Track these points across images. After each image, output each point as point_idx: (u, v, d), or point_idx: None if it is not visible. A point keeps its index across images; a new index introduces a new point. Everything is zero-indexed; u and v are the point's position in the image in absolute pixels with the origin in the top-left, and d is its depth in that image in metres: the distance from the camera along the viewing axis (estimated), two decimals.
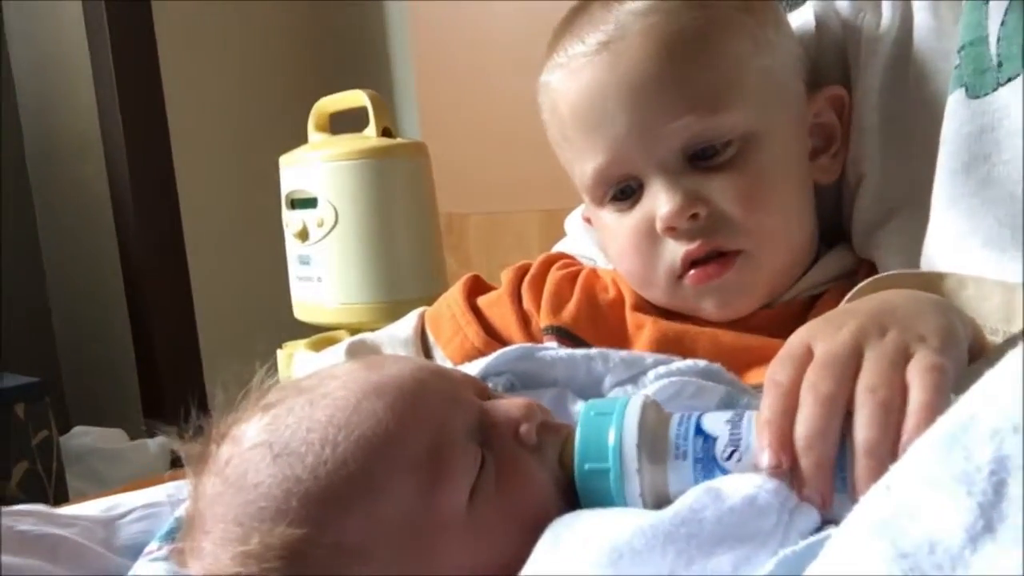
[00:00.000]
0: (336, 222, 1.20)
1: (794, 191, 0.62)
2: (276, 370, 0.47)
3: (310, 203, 1.23)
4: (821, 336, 0.42)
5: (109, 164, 1.79)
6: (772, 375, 0.42)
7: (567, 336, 0.63)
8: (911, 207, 0.62)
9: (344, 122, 1.32)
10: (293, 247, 1.26)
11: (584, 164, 0.61)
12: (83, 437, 1.69)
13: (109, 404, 1.98)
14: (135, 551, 0.49)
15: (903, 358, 0.39)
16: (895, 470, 0.30)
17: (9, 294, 1.90)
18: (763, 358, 0.59)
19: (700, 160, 0.59)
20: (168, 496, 0.54)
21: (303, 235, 1.23)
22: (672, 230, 0.59)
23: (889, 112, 0.63)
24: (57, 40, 1.90)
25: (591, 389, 0.55)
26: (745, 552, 0.35)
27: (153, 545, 0.49)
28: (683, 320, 0.63)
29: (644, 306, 0.64)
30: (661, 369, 0.54)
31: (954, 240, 0.53)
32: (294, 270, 1.27)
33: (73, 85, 1.87)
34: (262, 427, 0.44)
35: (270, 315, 1.43)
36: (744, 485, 0.38)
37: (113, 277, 1.86)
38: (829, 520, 0.37)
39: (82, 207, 1.94)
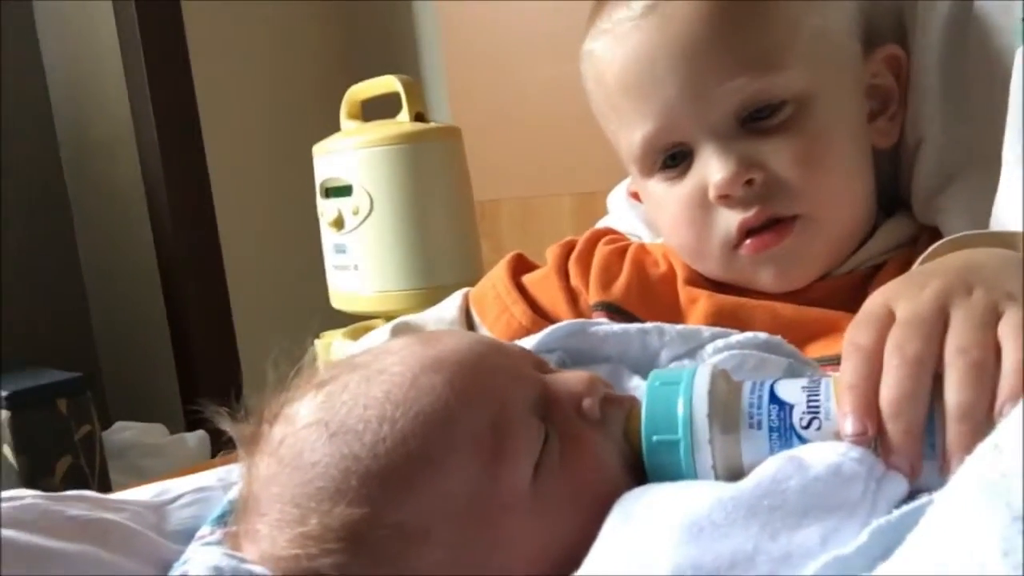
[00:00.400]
0: (371, 209, 1.19)
1: (853, 154, 0.60)
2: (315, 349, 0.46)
3: (345, 191, 1.22)
4: (903, 296, 0.40)
5: (143, 159, 1.79)
6: (852, 338, 0.40)
7: (617, 312, 0.61)
8: (974, 169, 0.59)
9: (376, 109, 1.31)
10: (328, 236, 1.25)
11: (632, 133, 0.60)
12: (124, 432, 1.70)
13: (148, 399, 1.99)
14: (187, 536, 0.48)
15: (993, 317, 0.37)
16: (1003, 429, 0.28)
17: (47, 292, 1.91)
18: (823, 331, 0.58)
19: (753, 123, 0.57)
20: (219, 480, 0.53)
21: (338, 223, 1.22)
22: (726, 198, 0.57)
23: (949, 72, 0.61)
24: (88, 40, 1.91)
25: (646, 365, 0.53)
26: (833, 523, 0.33)
27: (205, 529, 0.47)
28: (739, 293, 0.61)
29: (697, 280, 0.62)
30: (719, 343, 0.52)
31: None
32: (330, 259, 1.26)
33: (104, 83, 1.87)
34: (316, 405, 0.43)
35: (307, 305, 1.42)
36: (827, 453, 0.36)
37: (149, 272, 1.86)
38: (916, 489, 0.35)
39: (117, 204, 1.95)
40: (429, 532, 0.39)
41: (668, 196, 0.60)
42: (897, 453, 0.35)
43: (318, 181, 1.26)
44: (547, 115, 1.60)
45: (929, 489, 0.34)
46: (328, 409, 0.42)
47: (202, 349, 1.79)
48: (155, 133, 1.74)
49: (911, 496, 0.35)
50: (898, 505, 0.34)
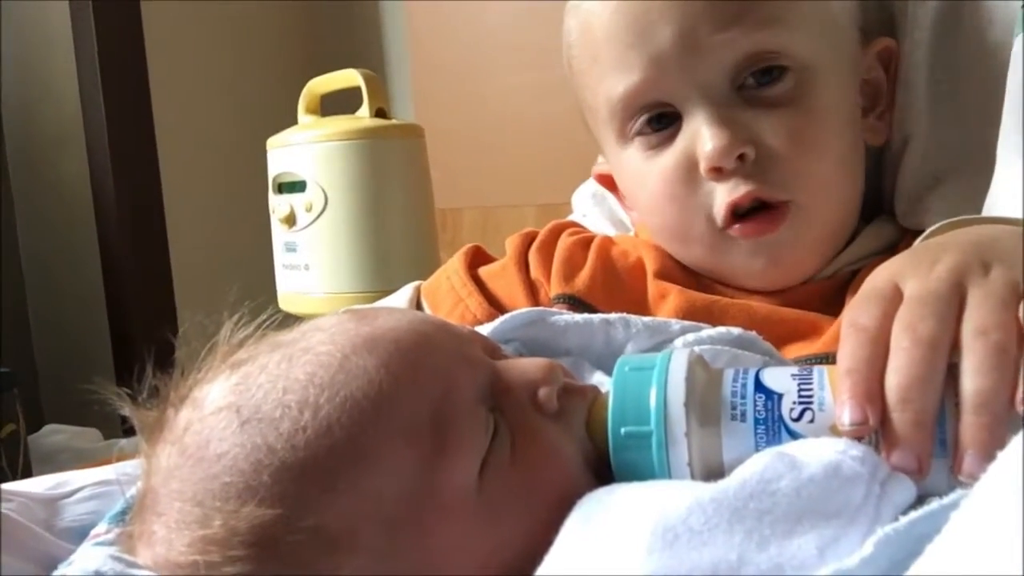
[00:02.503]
0: (325, 206, 1.14)
1: (850, 143, 0.56)
2: (249, 322, 0.40)
3: (298, 187, 1.17)
4: (912, 271, 0.36)
5: (91, 154, 1.72)
6: (853, 318, 0.35)
7: (580, 306, 0.56)
8: (965, 169, 0.56)
9: (338, 106, 1.26)
10: (279, 233, 1.20)
11: (614, 86, 0.54)
12: (55, 435, 1.62)
13: (86, 402, 1.91)
14: (81, 534, 0.42)
15: (1015, 297, 0.33)
16: None
17: None
18: (801, 332, 0.54)
19: (751, 91, 0.52)
20: (125, 474, 0.47)
21: (290, 220, 1.17)
22: (717, 171, 0.51)
23: (940, 67, 0.58)
24: (39, 31, 1.84)
25: (610, 359, 0.48)
26: (831, 531, 0.29)
27: (101, 527, 0.42)
28: (712, 291, 0.56)
29: (669, 273, 0.57)
30: (690, 337, 0.48)
31: None
32: (280, 258, 1.21)
33: (54, 75, 1.81)
34: (229, 388, 0.38)
35: (255, 307, 1.36)
36: (823, 451, 0.31)
37: (92, 271, 1.79)
38: (922, 493, 0.31)
39: (62, 198, 1.88)
40: (353, 538, 0.34)
41: (649, 168, 0.54)
42: (904, 448, 0.31)
43: (271, 176, 1.21)
44: (513, 124, 1.57)
45: (937, 493, 0.29)
46: (242, 392, 0.37)
47: (143, 353, 1.71)
48: (104, 126, 1.67)
49: (918, 501, 0.30)
50: (905, 512, 0.29)
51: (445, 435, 0.36)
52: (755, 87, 0.52)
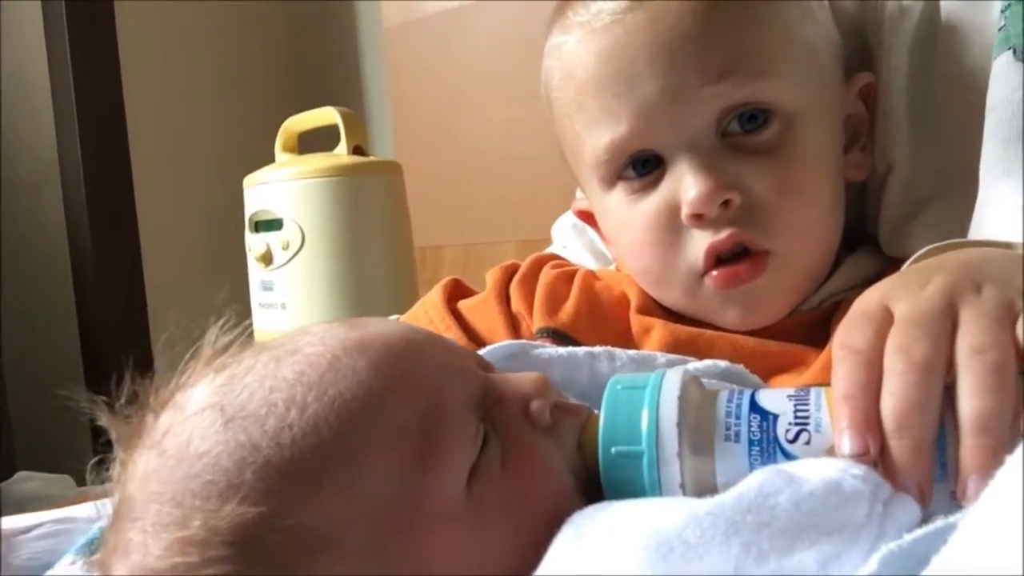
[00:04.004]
0: (302, 244, 1.12)
1: (831, 186, 0.55)
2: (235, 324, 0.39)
3: (275, 225, 1.15)
4: (902, 293, 0.35)
5: (66, 190, 1.70)
6: (847, 340, 0.34)
7: (564, 339, 0.55)
8: (948, 195, 0.56)
9: (315, 145, 1.26)
10: (256, 272, 1.18)
11: (600, 135, 0.53)
12: (27, 483, 1.57)
13: (60, 450, 1.87)
14: (39, 571, 0.40)
15: (1009, 315, 0.32)
16: None
17: None
18: (787, 365, 0.53)
19: (736, 137, 0.51)
20: (92, 512, 0.45)
21: (266, 259, 1.15)
22: (699, 217, 0.51)
23: (918, 95, 0.58)
24: (16, 61, 1.83)
25: (595, 393, 0.47)
26: (833, 547, 0.27)
27: (67, 559, 0.39)
28: (695, 324, 0.55)
29: (652, 308, 0.57)
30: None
31: (1015, 211, 0.47)
32: (256, 297, 1.19)
33: (30, 104, 1.79)
34: (214, 388, 0.36)
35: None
36: (824, 468, 0.30)
37: (67, 311, 1.76)
38: (924, 517, 0.30)
39: (37, 241, 1.85)
40: (336, 541, 0.33)
41: (631, 213, 0.54)
42: (904, 476, 0.30)
43: (247, 214, 1.20)
44: (492, 160, 1.56)
45: (940, 514, 0.28)
46: (227, 392, 0.36)
47: (119, 396, 1.68)
48: (80, 165, 1.65)
49: (922, 521, 0.29)
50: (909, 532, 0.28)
51: (433, 441, 0.35)
52: (740, 133, 0.51)
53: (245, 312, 1.25)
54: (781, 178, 0.51)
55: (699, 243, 0.52)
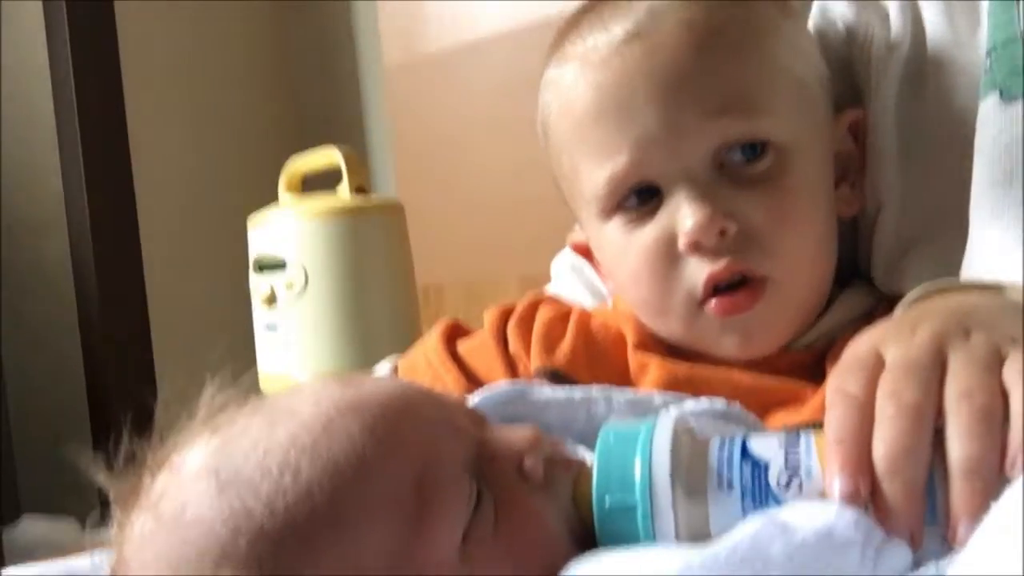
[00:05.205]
0: (306, 285, 1.13)
1: (825, 218, 0.56)
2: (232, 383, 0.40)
3: (279, 266, 1.17)
4: (893, 339, 0.36)
5: (72, 233, 1.72)
6: (840, 385, 0.35)
7: (561, 379, 0.56)
8: (940, 232, 0.56)
9: (319, 184, 1.27)
10: (260, 314, 1.19)
11: (599, 167, 0.54)
12: (32, 529, 1.57)
13: (66, 493, 1.86)
14: None
15: (996, 360, 0.33)
16: None
17: None
18: (784, 401, 0.53)
19: (733, 169, 0.52)
20: (92, 565, 0.45)
21: (270, 300, 1.16)
22: (696, 246, 0.52)
23: (907, 133, 0.58)
24: (24, 105, 1.86)
25: (592, 435, 0.47)
26: None
27: None
28: (692, 360, 0.56)
29: (649, 344, 0.57)
30: (673, 411, 0.47)
31: (1003, 255, 0.47)
32: (260, 338, 1.20)
33: (37, 150, 1.81)
34: (209, 451, 0.37)
35: (236, 371, 1.35)
36: (815, 516, 0.30)
37: (73, 353, 1.77)
38: (917, 559, 0.30)
39: (42, 282, 1.86)
40: None
41: (629, 243, 0.54)
42: (895, 520, 0.30)
43: (251, 256, 1.21)
44: (495, 198, 1.58)
45: (931, 558, 0.29)
46: (222, 456, 0.36)
47: (124, 438, 1.69)
48: (86, 206, 1.67)
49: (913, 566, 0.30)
50: None
51: (427, 503, 0.35)
52: (736, 164, 0.52)
53: (248, 359, 1.25)
54: (776, 207, 0.52)
55: (697, 272, 0.52)
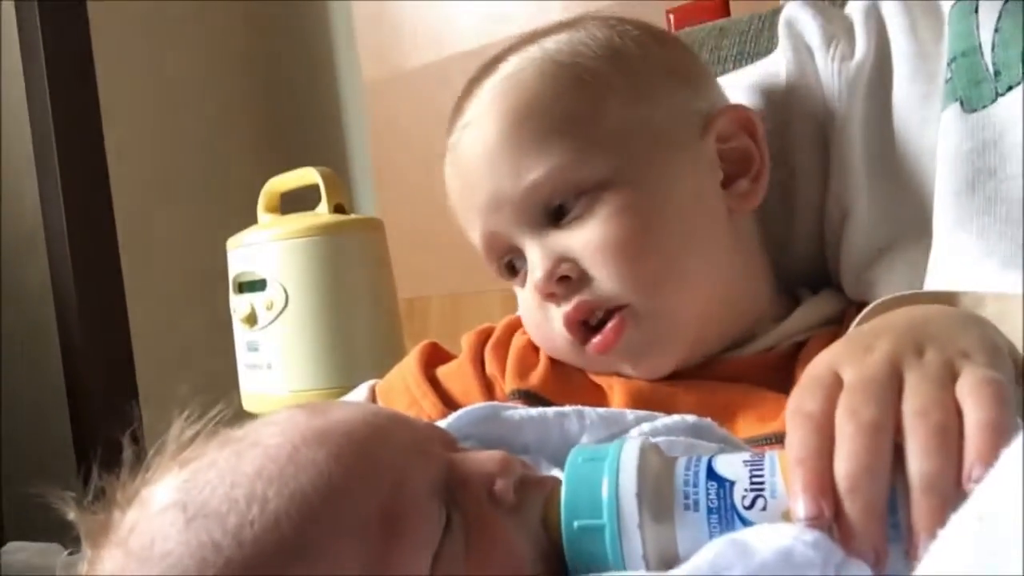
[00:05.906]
0: (286, 304, 1.13)
1: (690, 230, 0.56)
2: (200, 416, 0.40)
3: (259, 285, 1.16)
4: (849, 359, 0.36)
5: (51, 257, 1.71)
6: (799, 405, 0.35)
7: (535, 400, 0.56)
8: (905, 240, 0.57)
9: (298, 204, 1.27)
10: (241, 334, 1.19)
11: (473, 238, 0.60)
12: (18, 554, 1.56)
13: (51, 517, 1.85)
14: None
15: (949, 376, 0.34)
16: (983, 496, 0.24)
17: None
18: (748, 406, 0.54)
19: (567, 214, 0.55)
20: None
21: (251, 320, 1.16)
22: (552, 296, 0.55)
23: (873, 144, 0.59)
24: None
25: (566, 453, 0.48)
26: None
27: None
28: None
29: None
30: (645, 427, 0.48)
31: (965, 262, 0.48)
32: (242, 358, 1.19)
33: (15, 172, 1.81)
34: (176, 485, 0.37)
35: (207, 403, 1.35)
36: (776, 536, 0.31)
37: (54, 375, 1.76)
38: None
39: (23, 306, 1.85)
40: None
41: (520, 302, 0.59)
42: (859, 539, 0.31)
43: (231, 276, 1.21)
44: None
45: (893, 573, 0.29)
46: (189, 490, 0.36)
47: (108, 457, 1.68)
48: (65, 230, 1.67)
49: None
50: None
51: (395, 530, 0.35)
52: (569, 209, 0.55)
53: (230, 379, 1.25)
54: (598, 242, 0.54)
55: (557, 318, 0.56)
